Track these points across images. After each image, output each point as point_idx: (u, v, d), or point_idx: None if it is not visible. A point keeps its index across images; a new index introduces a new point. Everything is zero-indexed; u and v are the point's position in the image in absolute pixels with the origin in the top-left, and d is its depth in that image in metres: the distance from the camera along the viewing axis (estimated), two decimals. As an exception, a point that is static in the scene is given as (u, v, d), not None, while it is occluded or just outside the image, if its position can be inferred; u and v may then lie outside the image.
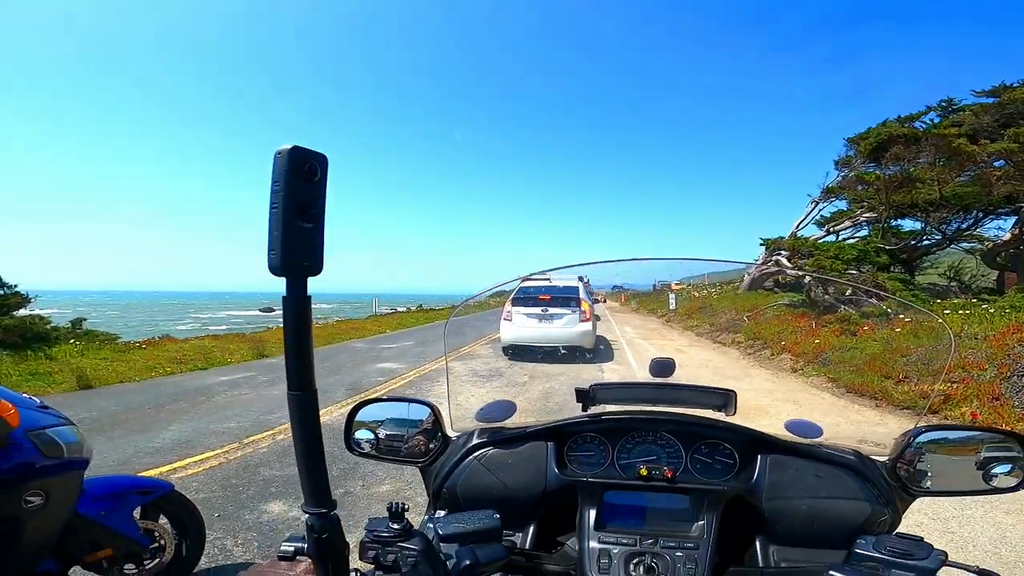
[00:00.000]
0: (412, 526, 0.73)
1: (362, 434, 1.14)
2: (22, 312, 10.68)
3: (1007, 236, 14.42)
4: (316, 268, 0.51)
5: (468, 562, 0.72)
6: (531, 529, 1.11)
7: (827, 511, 1.01)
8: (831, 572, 0.72)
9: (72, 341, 10.91)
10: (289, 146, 0.47)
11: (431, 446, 1.16)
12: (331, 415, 6.30)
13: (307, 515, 0.62)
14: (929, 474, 1.01)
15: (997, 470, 0.97)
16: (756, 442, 1.08)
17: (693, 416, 1.15)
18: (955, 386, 6.78)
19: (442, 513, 0.86)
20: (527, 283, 9.87)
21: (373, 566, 0.71)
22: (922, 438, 1.01)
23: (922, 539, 0.76)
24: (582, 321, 10.19)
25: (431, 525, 0.76)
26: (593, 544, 1.00)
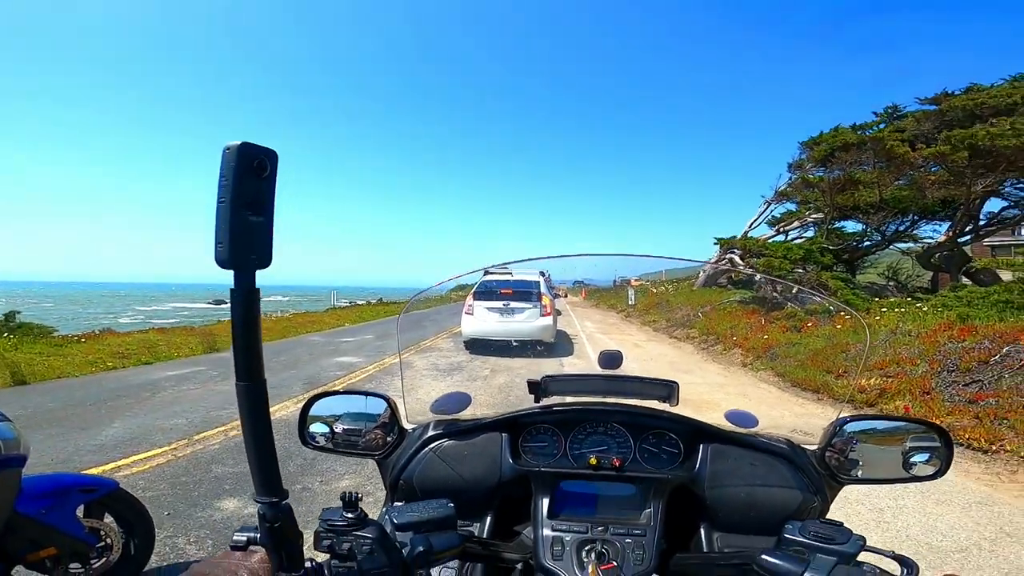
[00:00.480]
0: (367, 515, 0.74)
1: (317, 427, 1.14)
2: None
3: (941, 238, 15.38)
4: (265, 261, 0.51)
5: (422, 548, 0.73)
6: (488, 519, 1.13)
7: (762, 498, 1.06)
8: (763, 556, 0.76)
9: (4, 335, 10.24)
10: (238, 142, 0.47)
11: (388, 439, 1.16)
12: (287, 410, 6.17)
13: (259, 504, 0.62)
14: (856, 463, 1.07)
15: (916, 459, 1.03)
16: (699, 432, 1.13)
17: (640, 407, 1.19)
18: (890, 380, 7.18)
19: (399, 504, 0.86)
20: (489, 277, 9.89)
21: (328, 555, 0.71)
22: (847, 427, 1.07)
23: (843, 524, 0.81)
24: (543, 315, 10.31)
25: (386, 516, 0.77)
26: (547, 532, 1.03)
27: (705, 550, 1.08)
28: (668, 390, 1.21)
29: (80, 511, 2.47)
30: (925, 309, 10.00)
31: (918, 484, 4.16)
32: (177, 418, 5.76)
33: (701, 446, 1.11)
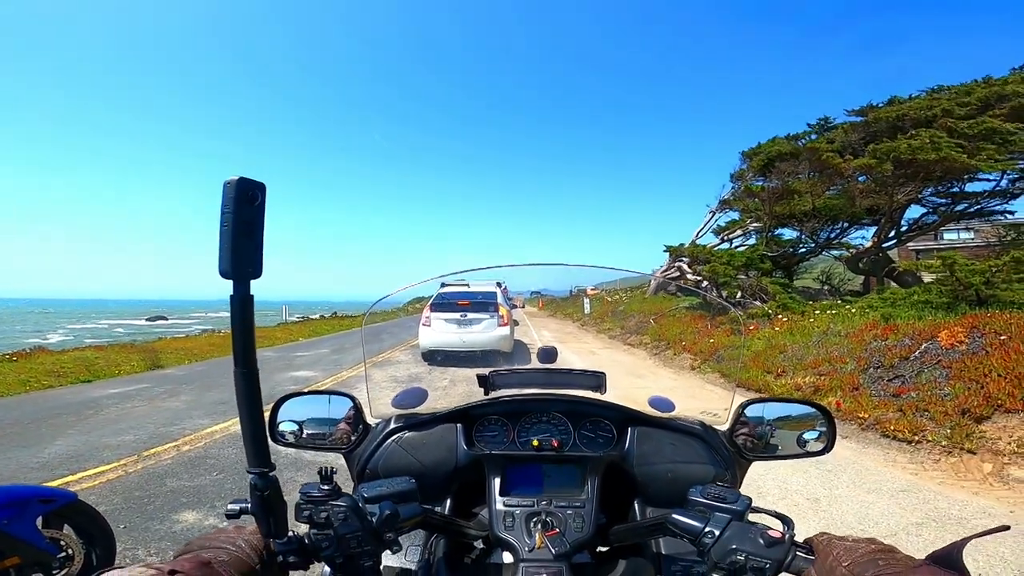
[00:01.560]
0: (340, 488, 0.84)
1: (286, 426, 1.22)
2: None
3: (868, 244, 16.51)
4: (257, 273, 0.63)
5: (388, 513, 0.83)
6: (448, 502, 1.25)
7: (682, 473, 1.18)
8: (673, 516, 0.87)
9: (-80, 355, 9.46)
10: (236, 177, 0.60)
11: (353, 434, 1.26)
12: (238, 426, 6.01)
13: (251, 475, 0.70)
14: (760, 442, 1.23)
15: (808, 436, 1.19)
16: (627, 417, 1.29)
17: (575, 396, 1.34)
18: (823, 378, 7.68)
19: (367, 483, 0.95)
20: (445, 289, 9.95)
21: (307, 524, 0.79)
22: (748, 409, 1.23)
23: (735, 489, 0.95)
24: (500, 326, 10.43)
25: (357, 492, 0.85)
26: (499, 507, 1.15)
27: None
28: (597, 380, 1.37)
29: (38, 522, 2.44)
30: (854, 311, 10.67)
31: (850, 474, 4.54)
32: (124, 435, 5.56)
33: (629, 429, 1.25)
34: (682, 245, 19.70)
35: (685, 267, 18.47)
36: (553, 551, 1.03)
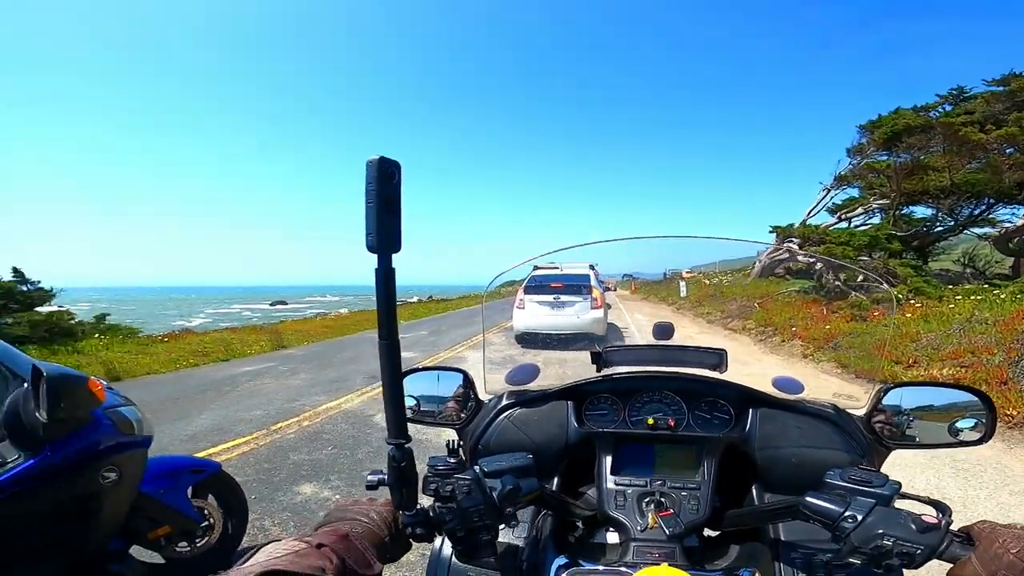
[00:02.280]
0: (464, 461, 0.86)
1: (406, 401, 1.28)
2: (47, 308, 10.98)
3: (1020, 222, 14.27)
4: (397, 247, 0.65)
5: (511, 487, 0.83)
6: (555, 480, 1.24)
7: (810, 459, 1.11)
8: (807, 499, 0.81)
9: (97, 336, 11.21)
10: (377, 157, 0.62)
11: (465, 410, 1.29)
12: (351, 403, 6.50)
13: (390, 446, 0.74)
14: (903, 429, 1.11)
15: (962, 424, 1.06)
16: (748, 398, 1.21)
17: (693, 375, 1.27)
18: (965, 371, 6.80)
19: (486, 457, 0.95)
20: (538, 272, 9.98)
21: (433, 497, 0.81)
22: (891, 394, 1.12)
23: (880, 471, 0.86)
24: (593, 308, 10.30)
25: (476, 466, 0.86)
26: (610, 485, 1.14)
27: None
28: (718, 358, 1.30)
29: (188, 492, 2.59)
30: (1003, 296, 9.38)
31: (991, 474, 4.03)
32: (256, 410, 6.19)
33: (751, 410, 1.18)
34: (791, 225, 18.16)
35: (795, 248, 17.03)
36: (667, 531, 1.01)
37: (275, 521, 3.40)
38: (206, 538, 2.67)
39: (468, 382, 1.31)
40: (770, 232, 18.46)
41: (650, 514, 1.06)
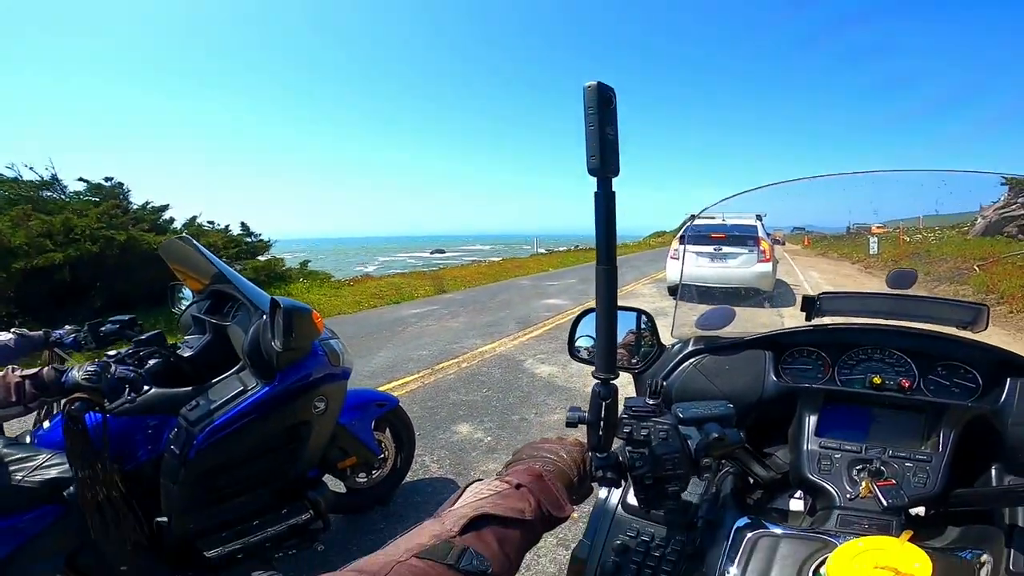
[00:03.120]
0: (663, 406, 0.80)
1: (583, 342, 1.26)
2: (264, 257, 13.22)
3: None
4: (616, 171, 0.63)
5: (716, 436, 0.76)
6: (741, 434, 1.15)
7: None
8: None
9: (301, 280, 13.28)
10: (595, 82, 0.61)
11: (635, 357, 1.22)
12: (504, 347, 6.85)
13: (596, 381, 0.70)
14: None
15: None
16: (1008, 365, 1.00)
17: (936, 331, 1.08)
18: None
19: (683, 403, 0.88)
20: (698, 221, 9.23)
21: (625, 440, 0.76)
22: None
23: None
24: (761, 261, 9.31)
25: (672, 411, 0.80)
26: (812, 447, 1.03)
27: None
28: (974, 314, 1.09)
29: (371, 425, 2.69)
30: None
31: None
32: (422, 350, 6.82)
33: (1008, 380, 0.99)
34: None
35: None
36: (885, 502, 0.90)
37: (434, 458, 3.59)
38: (380, 470, 2.81)
39: (649, 324, 1.24)
40: (1002, 184, 14.71)
41: (864, 482, 0.94)
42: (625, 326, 1.25)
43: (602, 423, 0.71)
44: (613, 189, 0.64)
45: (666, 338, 1.34)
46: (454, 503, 0.62)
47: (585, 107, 0.61)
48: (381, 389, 5.09)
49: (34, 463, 1.66)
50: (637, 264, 20.66)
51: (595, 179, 0.63)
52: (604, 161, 0.61)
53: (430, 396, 5.00)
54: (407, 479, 3.13)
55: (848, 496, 0.95)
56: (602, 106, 0.61)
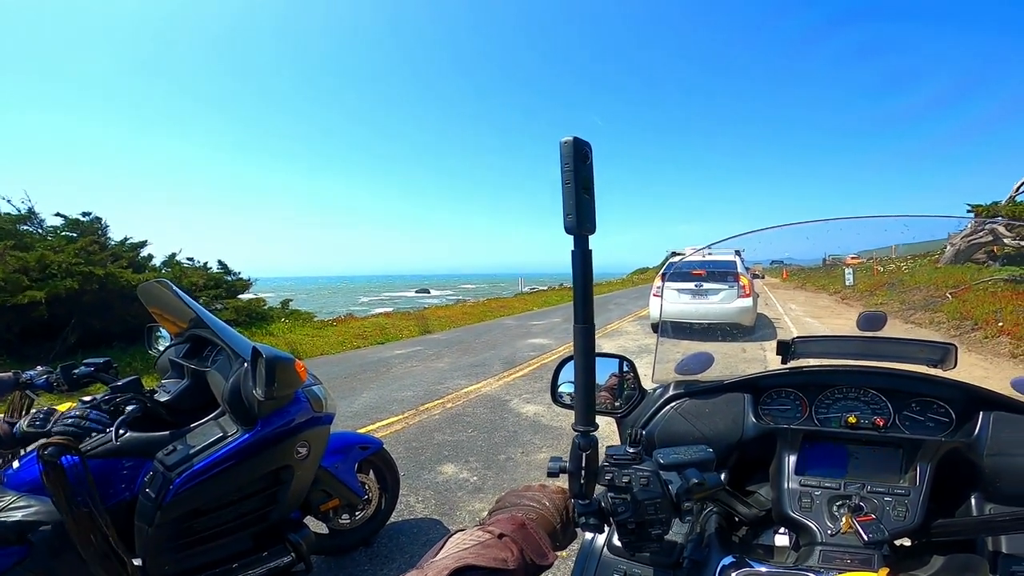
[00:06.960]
0: (645, 452, 0.81)
1: (565, 387, 1.27)
2: (246, 296, 13.02)
3: None
4: (593, 229, 0.64)
5: (695, 481, 0.76)
6: (723, 476, 1.15)
7: None
8: None
9: (283, 320, 13.09)
10: (571, 138, 0.61)
11: (617, 400, 1.24)
12: (490, 387, 6.80)
13: (576, 433, 0.70)
14: None
15: None
16: (978, 400, 1.04)
17: (907, 371, 1.11)
18: None
19: (664, 448, 0.89)
20: (678, 258, 9.42)
21: (607, 487, 0.77)
22: None
23: None
24: (741, 296, 9.48)
25: (653, 458, 0.81)
26: (793, 485, 1.04)
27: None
28: (943, 353, 1.13)
29: (355, 467, 2.67)
30: None
31: None
32: (406, 391, 6.73)
33: (982, 413, 1.02)
34: (996, 203, 15.00)
35: (1001, 230, 14.03)
36: (866, 537, 0.92)
37: (419, 498, 3.54)
38: (364, 512, 2.82)
39: (631, 369, 1.26)
40: (968, 212, 15.41)
41: (844, 518, 0.97)
42: (608, 370, 1.27)
43: (583, 472, 0.72)
44: (590, 247, 0.65)
45: (650, 380, 1.37)
46: (436, 554, 0.62)
47: (562, 163, 0.61)
48: (365, 430, 5.06)
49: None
50: (621, 302, 20.84)
51: (571, 237, 0.64)
52: (580, 220, 0.62)
53: (415, 437, 4.92)
54: (392, 519, 3.12)
55: (829, 532, 0.96)
56: (579, 162, 0.61)
